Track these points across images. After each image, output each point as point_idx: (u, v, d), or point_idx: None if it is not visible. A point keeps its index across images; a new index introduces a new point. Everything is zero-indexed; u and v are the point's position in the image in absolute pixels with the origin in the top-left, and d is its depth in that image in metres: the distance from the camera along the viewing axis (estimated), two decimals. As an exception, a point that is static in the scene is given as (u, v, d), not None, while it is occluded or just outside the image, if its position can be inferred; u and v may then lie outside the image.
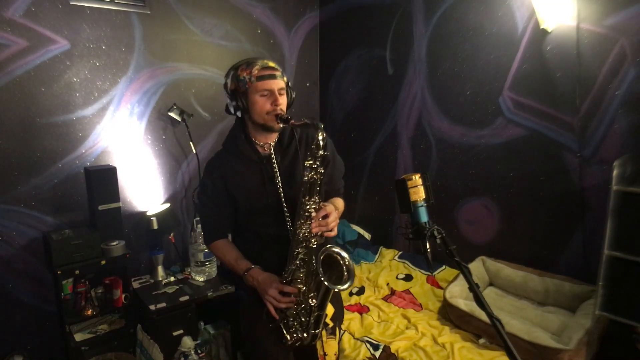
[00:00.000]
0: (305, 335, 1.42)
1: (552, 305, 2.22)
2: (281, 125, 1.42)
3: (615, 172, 1.70)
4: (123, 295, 2.50)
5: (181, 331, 2.47)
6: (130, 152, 2.77)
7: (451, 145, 2.74)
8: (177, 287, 2.66)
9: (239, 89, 1.41)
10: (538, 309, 2.22)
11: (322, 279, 1.29)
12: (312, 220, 1.36)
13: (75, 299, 2.45)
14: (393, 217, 3.23)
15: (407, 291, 2.54)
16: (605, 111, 2.05)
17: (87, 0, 2.48)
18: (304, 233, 1.38)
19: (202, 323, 2.59)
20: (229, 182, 1.48)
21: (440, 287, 2.53)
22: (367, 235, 3.34)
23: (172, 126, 2.92)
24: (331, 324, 1.51)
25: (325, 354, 1.50)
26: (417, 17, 2.83)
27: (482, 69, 2.50)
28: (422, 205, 1.20)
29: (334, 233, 1.42)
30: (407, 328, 2.15)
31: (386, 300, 2.47)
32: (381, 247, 3.14)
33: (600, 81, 2.05)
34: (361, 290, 2.59)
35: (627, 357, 1.84)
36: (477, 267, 2.49)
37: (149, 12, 2.71)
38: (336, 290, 1.33)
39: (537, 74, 2.27)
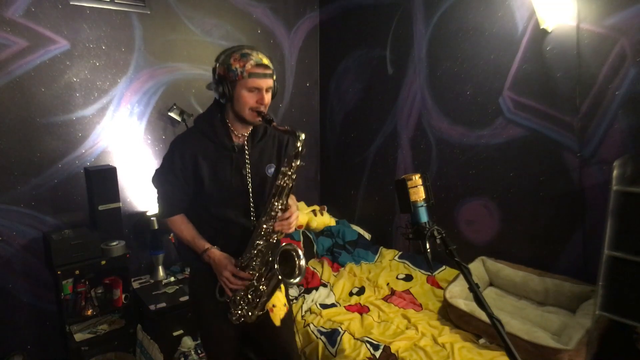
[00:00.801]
0: (250, 314, 1.53)
1: (552, 305, 2.22)
2: (260, 121, 1.46)
3: (615, 172, 1.70)
4: (123, 295, 2.51)
5: (181, 331, 2.47)
6: (130, 152, 2.77)
7: (451, 145, 2.74)
8: (177, 287, 2.66)
9: (227, 77, 1.41)
10: (538, 309, 2.22)
11: (278, 273, 1.41)
12: (277, 220, 1.47)
13: (75, 299, 2.45)
14: (393, 217, 3.23)
15: (407, 291, 2.54)
16: (605, 111, 2.05)
17: (87, 0, 2.49)
18: (267, 229, 1.47)
19: (202, 323, 2.58)
20: (199, 163, 1.49)
21: (440, 287, 2.53)
22: (367, 235, 3.34)
23: (172, 126, 2.92)
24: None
25: (273, 306, 1.57)
26: (417, 17, 2.83)
27: (482, 69, 2.50)
28: (422, 206, 1.20)
29: (291, 230, 1.53)
30: (407, 328, 2.15)
31: (386, 301, 2.47)
32: (381, 247, 3.14)
33: (600, 81, 2.05)
34: (361, 290, 2.59)
35: (627, 357, 1.84)
36: (477, 267, 2.49)
37: (148, 12, 2.71)
38: (287, 283, 1.46)
39: (537, 74, 2.27)
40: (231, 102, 1.45)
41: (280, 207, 1.45)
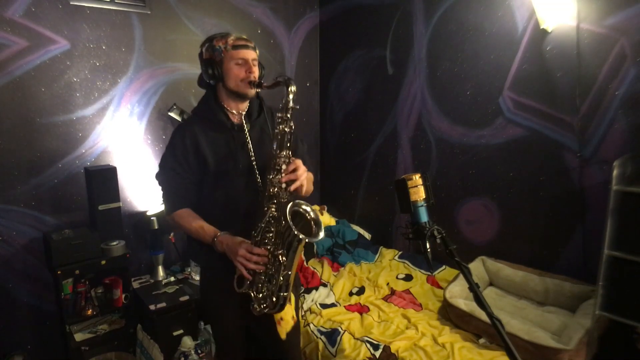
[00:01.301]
0: (274, 299, 1.41)
1: (552, 305, 2.22)
2: (254, 91, 1.48)
3: (615, 172, 1.70)
4: (123, 295, 2.50)
5: (181, 331, 2.47)
6: (130, 152, 2.77)
7: (451, 145, 2.74)
8: (177, 287, 2.66)
9: (214, 58, 1.48)
10: (538, 309, 2.22)
11: (294, 230, 1.30)
12: (283, 174, 1.40)
13: (75, 299, 2.45)
14: (393, 217, 3.23)
15: (407, 291, 2.54)
16: (605, 111, 2.05)
17: (87, 0, 2.49)
18: (275, 188, 1.40)
19: (202, 323, 2.59)
20: (201, 143, 1.49)
21: (440, 287, 2.53)
22: (367, 235, 3.34)
23: (172, 126, 2.91)
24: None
25: (281, 319, 1.52)
26: (417, 17, 2.83)
27: (482, 69, 2.50)
28: (422, 205, 1.20)
29: (300, 184, 1.43)
30: (407, 328, 2.15)
31: (386, 300, 2.47)
32: (381, 247, 3.14)
33: (600, 81, 2.05)
34: (361, 290, 2.59)
35: (627, 357, 1.84)
36: (477, 267, 2.49)
37: (149, 12, 2.71)
38: (308, 240, 1.34)
39: (537, 74, 2.27)
40: (222, 80, 1.49)
41: (284, 159, 1.40)
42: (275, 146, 1.41)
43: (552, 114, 2.24)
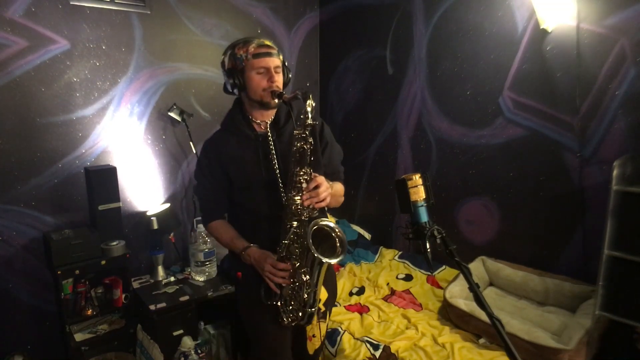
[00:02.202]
0: (300, 314, 1.43)
1: (552, 305, 2.22)
2: (276, 101, 1.44)
3: (615, 172, 1.70)
4: (123, 295, 2.50)
5: (181, 331, 2.47)
6: (130, 152, 2.77)
7: (451, 145, 2.74)
8: (177, 287, 2.66)
9: (236, 67, 1.43)
10: (538, 309, 2.22)
11: (314, 252, 1.29)
12: (303, 192, 1.36)
13: (75, 299, 2.45)
14: (393, 217, 3.23)
15: (407, 291, 2.54)
16: (605, 111, 2.05)
17: (87, 0, 2.48)
18: (296, 206, 1.38)
19: (202, 323, 2.59)
20: (225, 158, 1.50)
21: (440, 287, 2.53)
22: (367, 235, 3.34)
23: (172, 126, 2.92)
24: (323, 309, 1.54)
25: (313, 336, 1.53)
26: (417, 17, 2.83)
27: (482, 69, 2.50)
28: (422, 205, 1.20)
29: (325, 203, 1.39)
30: (407, 328, 2.15)
31: (386, 300, 2.47)
32: (381, 247, 3.14)
33: (600, 81, 2.05)
34: (361, 290, 2.59)
35: (627, 357, 1.84)
36: (477, 267, 2.49)
37: (149, 12, 2.71)
38: (329, 263, 1.32)
39: (537, 74, 2.27)
40: (245, 90, 1.46)
41: (304, 176, 1.36)
42: (294, 163, 1.37)
43: (552, 114, 2.24)
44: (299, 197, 1.36)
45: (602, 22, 2.01)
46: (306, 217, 1.39)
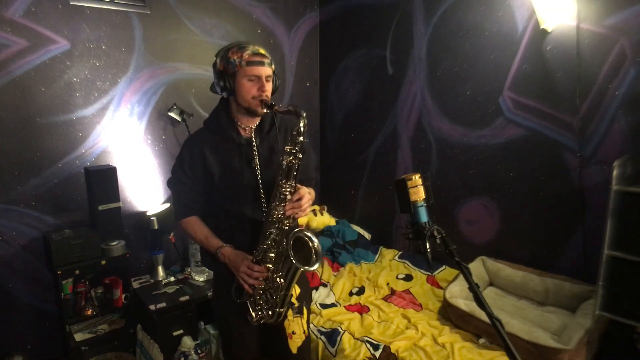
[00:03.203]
0: (270, 313, 1.49)
1: (552, 305, 2.22)
2: (265, 111, 1.46)
3: (615, 172, 1.70)
4: (123, 295, 2.50)
5: (181, 331, 2.47)
6: (130, 152, 2.77)
7: (451, 145, 2.74)
8: (177, 287, 2.66)
9: (227, 71, 1.44)
10: (538, 309, 2.22)
11: (293, 259, 1.35)
12: (287, 203, 1.41)
13: (75, 299, 2.45)
14: (393, 217, 3.23)
15: (407, 291, 2.54)
16: (605, 111, 2.05)
17: (87, 0, 2.49)
18: (278, 215, 1.43)
19: (202, 323, 2.59)
20: (208, 158, 1.50)
21: (440, 287, 2.53)
22: (367, 235, 3.34)
23: (172, 126, 2.92)
24: (297, 304, 1.55)
25: (293, 332, 1.54)
26: (417, 17, 2.83)
27: (482, 69, 2.50)
28: (422, 205, 1.20)
29: (305, 214, 1.47)
30: (407, 328, 2.15)
31: (386, 300, 2.47)
32: (381, 247, 3.14)
33: (600, 81, 2.05)
34: (361, 290, 2.59)
35: (627, 357, 1.84)
36: (477, 267, 2.49)
37: (149, 12, 2.71)
38: (304, 270, 1.39)
39: (537, 74, 2.27)
40: (233, 94, 1.47)
41: (289, 189, 1.41)
42: (281, 176, 1.41)
43: (552, 114, 2.24)
44: (282, 207, 1.42)
45: (602, 22, 2.01)
46: (286, 226, 1.44)
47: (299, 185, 1.45)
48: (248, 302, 1.50)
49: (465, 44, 2.57)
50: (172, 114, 2.78)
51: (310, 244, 1.39)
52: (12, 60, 2.30)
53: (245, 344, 1.62)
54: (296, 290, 1.53)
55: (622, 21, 1.95)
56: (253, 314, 1.50)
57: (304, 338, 1.58)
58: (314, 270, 1.43)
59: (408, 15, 2.88)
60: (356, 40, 3.29)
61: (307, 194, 1.46)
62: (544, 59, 2.23)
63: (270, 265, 1.45)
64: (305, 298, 1.65)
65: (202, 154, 1.51)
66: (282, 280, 1.45)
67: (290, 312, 1.52)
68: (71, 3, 2.43)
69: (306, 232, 1.40)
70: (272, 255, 1.45)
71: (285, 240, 1.43)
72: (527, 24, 2.27)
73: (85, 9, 2.49)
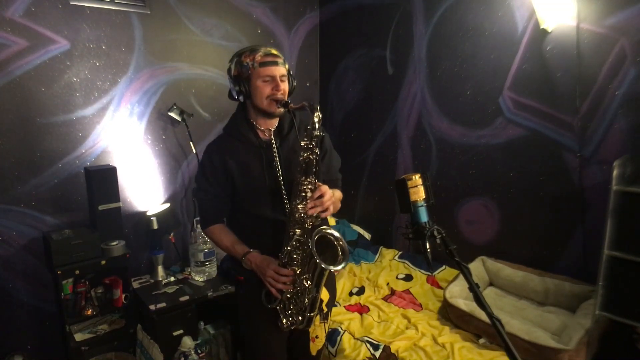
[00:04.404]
0: (300, 318, 1.47)
1: (552, 305, 2.22)
2: (281, 110, 1.46)
3: (615, 172, 1.70)
4: (123, 295, 2.50)
5: (181, 331, 2.47)
6: (130, 152, 2.77)
7: (451, 145, 2.74)
8: (177, 287, 2.66)
9: (242, 75, 1.45)
10: (538, 309, 2.22)
11: (317, 259, 1.32)
12: (308, 201, 1.38)
13: (75, 299, 2.45)
14: (393, 217, 3.23)
15: (407, 291, 2.54)
16: (605, 111, 2.05)
17: (87, 0, 2.49)
18: (300, 214, 1.40)
19: (202, 323, 2.59)
20: (229, 163, 1.50)
21: (440, 287, 2.53)
22: (367, 235, 3.34)
23: (172, 126, 2.92)
24: (325, 310, 1.54)
25: (316, 337, 1.54)
26: (417, 17, 2.83)
27: (482, 69, 2.50)
28: (422, 205, 1.20)
29: (329, 212, 1.43)
30: (407, 328, 2.15)
31: (386, 300, 2.47)
32: (381, 247, 3.14)
33: (600, 81, 2.05)
34: (361, 290, 2.59)
35: (627, 357, 1.84)
36: (477, 267, 2.49)
37: (149, 12, 2.71)
38: (331, 270, 1.35)
39: (537, 74, 2.27)
40: (250, 98, 1.47)
41: (309, 185, 1.39)
42: (300, 173, 1.40)
43: (552, 114, 2.24)
44: (303, 206, 1.39)
45: (602, 22, 2.01)
46: (309, 225, 1.41)
47: (319, 183, 1.42)
48: (278, 308, 1.47)
49: (465, 44, 2.57)
50: (172, 114, 2.78)
51: (336, 243, 1.37)
52: (12, 60, 2.30)
53: (273, 352, 1.59)
54: (325, 295, 1.51)
55: (622, 21, 1.95)
56: (284, 321, 1.48)
57: (324, 342, 1.60)
58: (340, 269, 1.38)
59: (408, 15, 2.88)
60: (356, 40, 3.29)
61: (329, 190, 1.42)
62: (544, 59, 2.23)
63: (297, 268, 1.42)
64: (331, 303, 1.65)
65: (223, 160, 1.50)
66: (309, 283, 1.41)
67: (317, 317, 1.51)
68: (71, 3, 2.43)
69: (329, 231, 1.37)
70: (298, 256, 1.42)
71: (310, 244, 1.37)
72: (527, 24, 2.27)
73: (85, 9, 2.49)
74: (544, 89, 2.26)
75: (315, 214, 1.39)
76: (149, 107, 2.81)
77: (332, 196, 1.43)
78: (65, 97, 2.50)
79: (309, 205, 1.38)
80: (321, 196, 1.38)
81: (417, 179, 1.21)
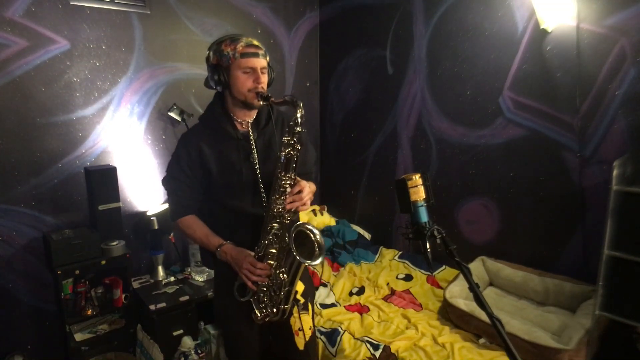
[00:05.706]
0: (274, 310, 1.45)
1: (552, 305, 2.22)
2: (261, 103, 1.43)
3: (615, 172, 1.70)
4: (123, 295, 2.50)
5: (181, 331, 2.47)
6: (130, 152, 2.77)
7: (451, 145, 2.74)
8: (177, 287, 2.66)
9: (221, 64, 1.41)
10: (538, 309, 2.22)
11: (295, 254, 1.31)
12: (287, 195, 1.38)
13: (75, 299, 2.45)
14: (393, 217, 3.23)
15: (407, 291, 2.54)
16: (605, 111, 2.05)
17: (87, 0, 2.49)
18: (278, 208, 1.40)
19: (202, 323, 2.59)
20: (205, 154, 1.47)
21: (440, 287, 2.53)
22: (367, 235, 3.34)
23: (172, 126, 2.92)
24: (302, 300, 1.53)
25: (300, 329, 1.52)
26: (417, 17, 2.83)
27: (482, 69, 2.50)
28: (422, 205, 1.20)
29: (306, 207, 1.44)
30: (407, 328, 2.15)
31: (386, 300, 2.47)
32: (381, 247, 3.14)
33: (600, 81, 2.05)
34: (361, 290, 2.59)
35: (627, 357, 1.84)
36: (477, 267, 2.49)
37: (149, 12, 2.71)
38: (308, 265, 1.35)
39: (537, 74, 2.27)
40: (228, 88, 1.44)
41: (288, 182, 1.38)
42: (280, 168, 1.38)
43: (552, 114, 2.24)
44: (282, 200, 1.39)
45: (602, 22, 2.01)
46: (287, 220, 1.41)
47: (298, 178, 1.42)
48: (252, 300, 1.47)
49: (465, 44, 2.57)
50: (172, 114, 2.78)
51: (313, 238, 1.37)
52: (12, 60, 2.30)
53: (249, 344, 1.59)
54: (300, 286, 1.50)
55: (622, 21, 1.95)
56: (257, 313, 1.47)
57: (310, 334, 1.56)
58: (317, 264, 1.38)
59: (408, 15, 2.88)
60: (356, 40, 3.29)
61: (307, 186, 1.43)
62: (544, 59, 2.23)
63: (273, 262, 1.42)
64: (310, 294, 1.63)
65: (199, 150, 1.47)
66: (285, 276, 1.41)
67: (295, 309, 1.51)
68: (71, 3, 2.43)
69: (308, 226, 1.37)
70: (274, 250, 1.42)
71: (287, 235, 1.38)
72: (527, 24, 2.27)
73: (85, 9, 2.49)
74: (544, 89, 2.26)
75: (293, 209, 1.40)
76: (149, 107, 2.81)
77: (310, 192, 1.44)
78: (65, 97, 2.50)
79: (288, 200, 1.38)
80: (300, 191, 1.39)
81: (417, 178, 1.21)
